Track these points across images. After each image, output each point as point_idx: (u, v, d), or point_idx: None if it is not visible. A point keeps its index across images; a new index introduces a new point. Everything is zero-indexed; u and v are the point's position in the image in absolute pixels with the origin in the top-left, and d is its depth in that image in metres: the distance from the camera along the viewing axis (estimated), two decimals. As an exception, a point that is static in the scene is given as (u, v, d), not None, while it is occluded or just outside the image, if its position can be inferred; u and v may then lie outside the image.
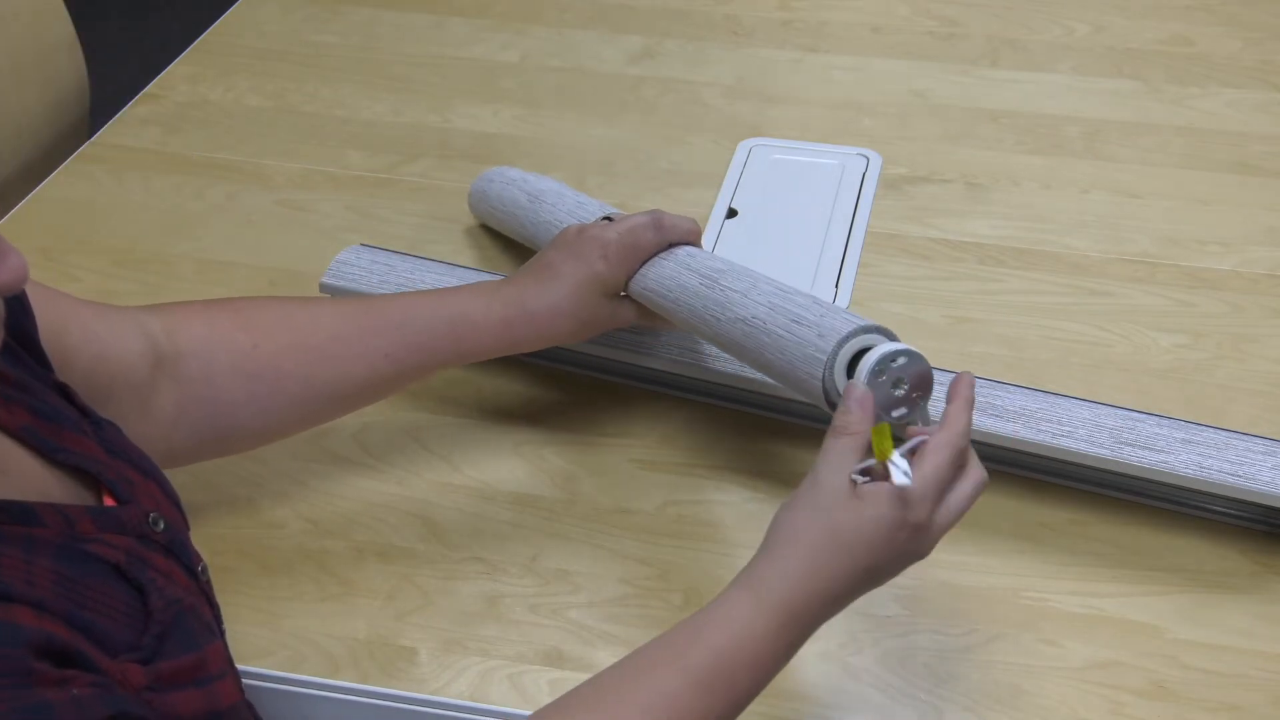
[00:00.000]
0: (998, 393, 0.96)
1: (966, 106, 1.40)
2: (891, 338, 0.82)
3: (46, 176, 1.32)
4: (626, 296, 0.96)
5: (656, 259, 0.95)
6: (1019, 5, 1.57)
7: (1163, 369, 1.07)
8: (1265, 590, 0.91)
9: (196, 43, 1.53)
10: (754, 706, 0.82)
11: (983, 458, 0.98)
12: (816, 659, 0.86)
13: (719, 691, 0.69)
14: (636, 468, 1.00)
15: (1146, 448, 0.92)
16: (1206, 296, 1.15)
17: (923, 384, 0.79)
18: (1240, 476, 0.90)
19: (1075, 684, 0.84)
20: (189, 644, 0.67)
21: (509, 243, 1.21)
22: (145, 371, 0.84)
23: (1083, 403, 0.95)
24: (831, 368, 0.82)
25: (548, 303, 0.92)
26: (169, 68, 1.48)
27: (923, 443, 0.74)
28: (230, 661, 0.72)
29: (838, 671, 0.85)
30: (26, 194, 1.29)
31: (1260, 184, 1.28)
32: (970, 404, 0.76)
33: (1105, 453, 0.92)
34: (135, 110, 1.41)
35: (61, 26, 1.48)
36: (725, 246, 1.20)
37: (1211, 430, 0.93)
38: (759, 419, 1.03)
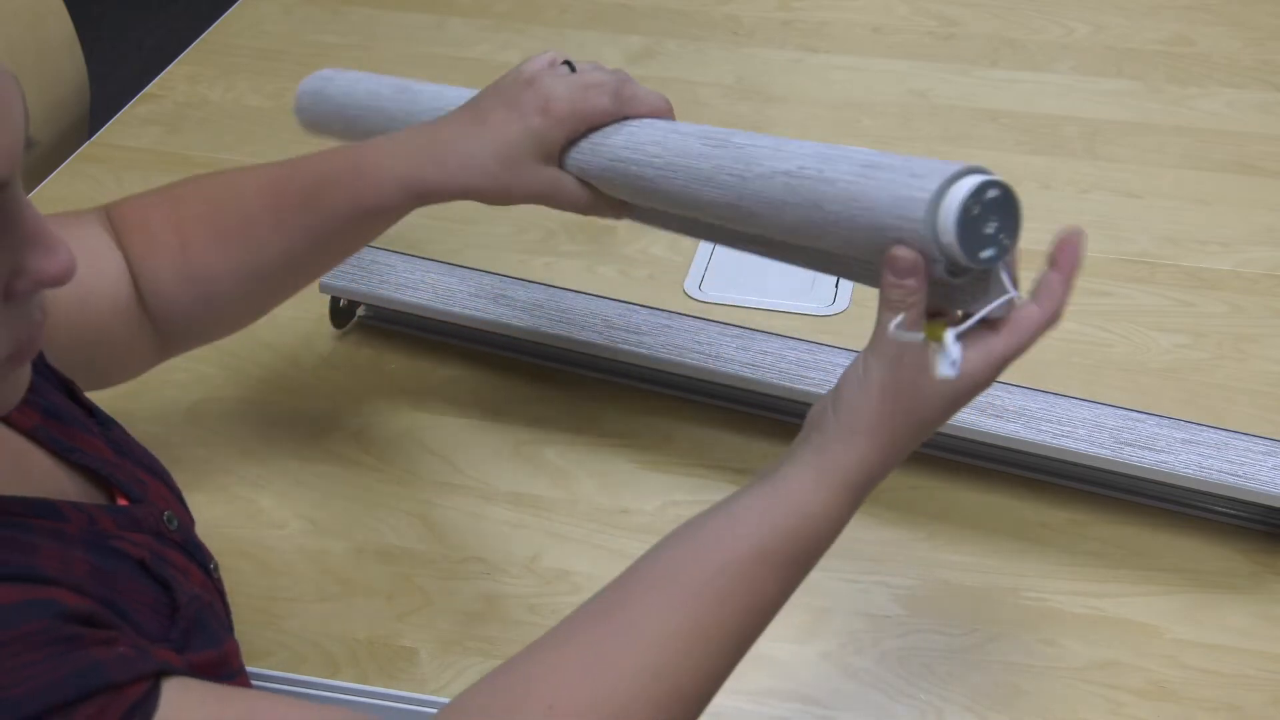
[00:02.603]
0: (998, 393, 0.96)
1: (966, 106, 1.40)
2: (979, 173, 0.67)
3: (47, 176, 1.32)
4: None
5: (621, 125, 0.81)
6: (1019, 5, 1.57)
7: (1163, 369, 1.07)
8: (1265, 590, 0.91)
9: (196, 43, 1.53)
10: (754, 707, 0.82)
11: (983, 457, 0.99)
12: (816, 659, 0.86)
13: (793, 572, 0.67)
14: (636, 468, 1.00)
15: (1146, 448, 0.92)
16: (1206, 296, 1.15)
17: (1013, 223, 0.67)
18: (1240, 476, 0.90)
19: (1075, 684, 0.84)
20: (212, 640, 0.67)
21: (505, 248, 1.21)
22: (126, 297, 0.84)
23: (1083, 403, 0.95)
24: (935, 211, 0.65)
25: (463, 151, 0.80)
26: (169, 68, 1.48)
27: (1005, 312, 0.67)
28: (242, 661, 0.72)
29: (838, 671, 0.85)
30: (27, 194, 1.29)
31: (1260, 184, 1.28)
32: (1075, 275, 0.68)
33: (1105, 453, 0.92)
34: (135, 110, 1.41)
35: (61, 26, 1.48)
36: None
37: (1211, 430, 0.93)
38: (759, 419, 1.03)
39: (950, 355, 0.64)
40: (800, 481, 0.67)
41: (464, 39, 1.52)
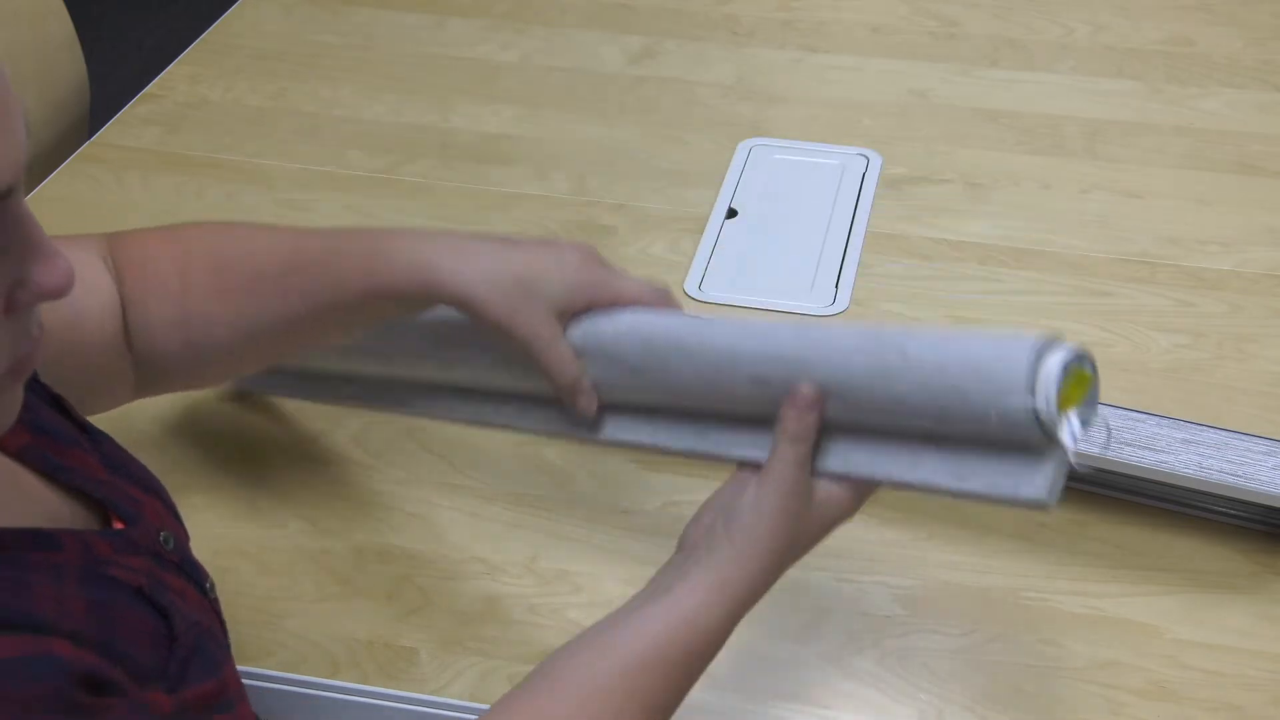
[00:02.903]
0: (998, 393, 0.95)
1: (966, 106, 1.40)
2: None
3: (47, 176, 1.32)
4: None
5: (649, 312, 0.79)
6: (1019, 5, 1.57)
7: (1163, 369, 1.07)
8: (1265, 590, 0.91)
9: (196, 43, 1.53)
10: (754, 706, 0.82)
11: (983, 458, 0.99)
12: (816, 659, 0.86)
13: (685, 680, 0.72)
14: (637, 468, 1.00)
15: (1146, 448, 0.92)
16: (1206, 296, 1.15)
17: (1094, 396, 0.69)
18: (1240, 476, 0.90)
19: (1075, 684, 0.84)
20: (211, 669, 0.66)
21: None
22: (113, 326, 0.83)
23: (1083, 403, 0.95)
24: (1032, 390, 0.66)
25: (486, 262, 0.77)
26: (169, 68, 1.48)
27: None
28: (241, 684, 0.71)
29: (838, 671, 0.85)
30: (27, 194, 1.29)
31: (1260, 184, 1.28)
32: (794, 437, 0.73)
33: (1105, 453, 0.92)
34: (135, 110, 1.41)
35: (61, 26, 1.48)
36: (725, 246, 1.20)
37: (1211, 430, 0.93)
38: (759, 419, 1.03)
39: (1073, 430, 0.67)
40: (694, 598, 0.71)
41: (464, 39, 1.52)
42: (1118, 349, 1.09)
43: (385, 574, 0.92)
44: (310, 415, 1.04)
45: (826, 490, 0.73)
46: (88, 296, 0.81)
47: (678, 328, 0.77)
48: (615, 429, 0.81)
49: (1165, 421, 0.94)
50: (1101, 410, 0.69)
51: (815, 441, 0.73)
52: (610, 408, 0.81)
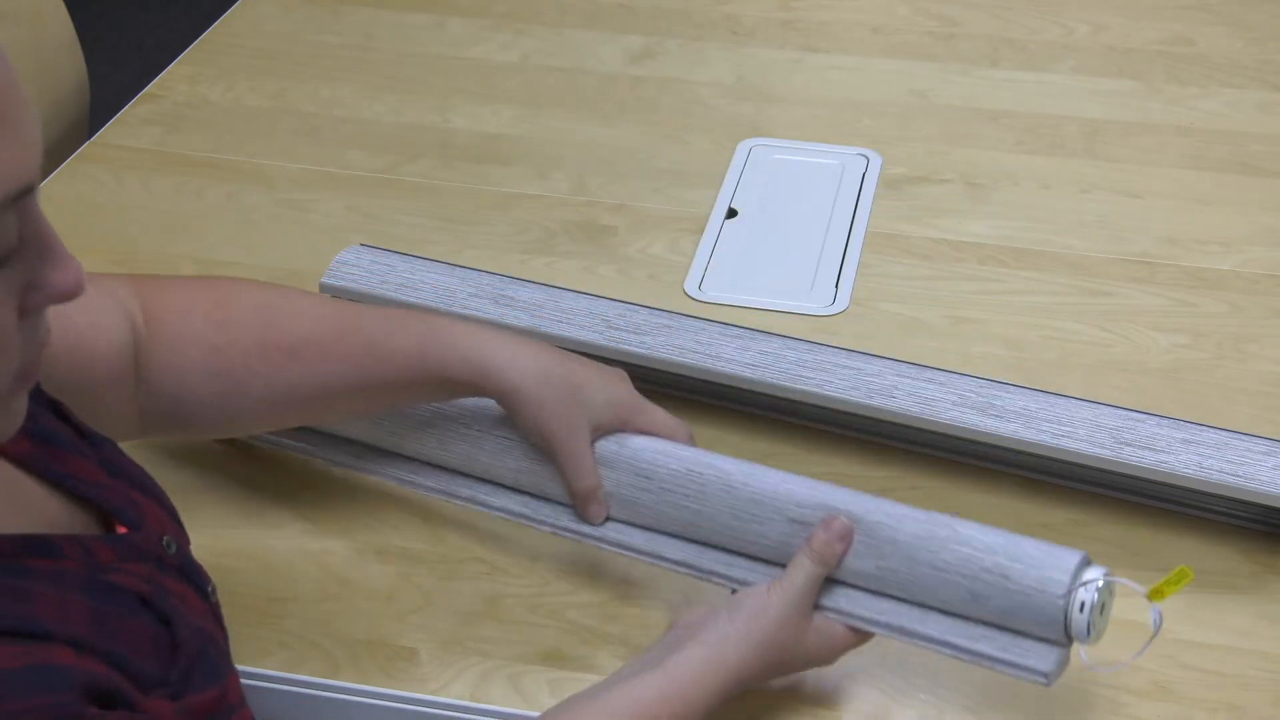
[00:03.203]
0: (998, 393, 0.96)
1: (966, 106, 1.40)
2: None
3: (46, 177, 1.32)
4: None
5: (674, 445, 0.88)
6: (1019, 5, 1.57)
7: (1163, 369, 1.07)
8: (1265, 590, 0.91)
9: (196, 43, 1.53)
10: (754, 706, 0.82)
11: (983, 458, 0.99)
12: (816, 659, 0.86)
13: None
14: (636, 468, 1.00)
15: (1146, 448, 0.92)
16: (1206, 296, 1.15)
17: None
18: (1240, 476, 0.90)
19: (1075, 684, 0.84)
20: (213, 676, 0.66)
21: (505, 248, 1.21)
22: (121, 366, 0.83)
23: (1083, 403, 0.95)
24: (1071, 589, 0.77)
25: (533, 356, 0.84)
26: (169, 68, 1.48)
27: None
28: (241, 689, 0.71)
29: (838, 672, 0.85)
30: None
31: (1260, 184, 1.28)
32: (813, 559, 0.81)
33: (1105, 453, 0.92)
34: (135, 110, 1.41)
35: (61, 26, 1.48)
36: (725, 246, 1.20)
37: (1211, 430, 0.93)
38: (759, 419, 1.03)
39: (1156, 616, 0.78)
40: (689, 671, 0.76)
41: (464, 39, 1.52)
42: (1118, 349, 1.09)
43: (385, 574, 0.92)
44: (310, 415, 1.04)
45: (827, 621, 0.81)
46: (97, 337, 0.82)
47: (723, 462, 0.85)
48: (615, 532, 0.88)
49: (1165, 421, 0.94)
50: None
51: (832, 576, 0.80)
52: (615, 516, 0.88)
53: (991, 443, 0.94)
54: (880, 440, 1.01)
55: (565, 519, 0.89)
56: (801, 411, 1.02)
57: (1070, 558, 0.78)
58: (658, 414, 0.89)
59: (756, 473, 0.85)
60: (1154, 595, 0.78)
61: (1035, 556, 0.78)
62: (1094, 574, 0.77)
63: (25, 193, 0.55)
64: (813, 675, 0.85)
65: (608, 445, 0.87)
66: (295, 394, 0.86)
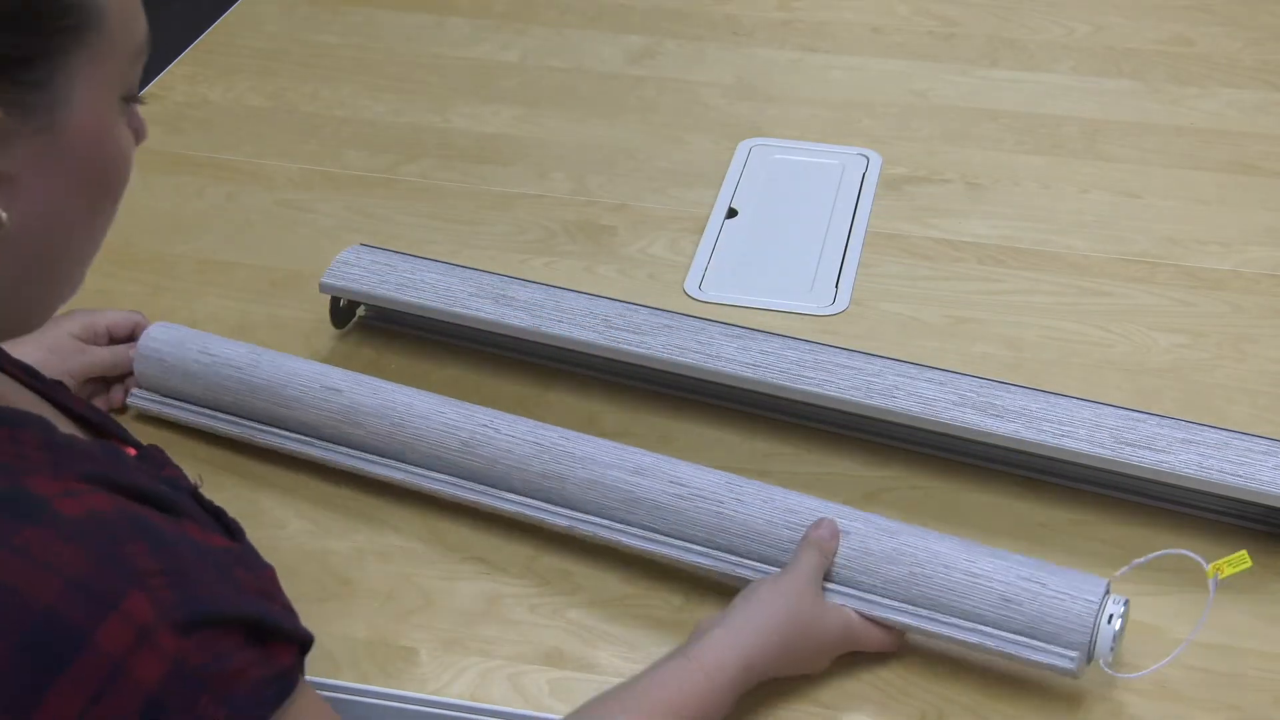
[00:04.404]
0: (998, 393, 0.96)
1: (966, 106, 1.40)
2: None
3: (46, 176, 1.32)
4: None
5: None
6: (1019, 5, 1.57)
7: (1163, 369, 1.07)
8: (1265, 590, 0.91)
9: (196, 43, 1.53)
10: (754, 706, 0.82)
11: (983, 458, 0.99)
12: (816, 659, 0.86)
13: None
14: (636, 468, 1.00)
15: (1146, 448, 0.92)
16: (1206, 296, 1.15)
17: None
18: (1240, 476, 0.90)
19: (1075, 684, 0.84)
20: (261, 562, 0.72)
21: (505, 248, 1.21)
22: None
23: (1083, 403, 0.95)
24: (1095, 630, 0.81)
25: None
26: (169, 68, 1.48)
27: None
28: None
29: (838, 671, 0.85)
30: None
31: (1260, 184, 1.28)
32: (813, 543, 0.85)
33: (1105, 453, 0.92)
34: (135, 110, 1.41)
35: (61, 26, 1.48)
36: (725, 246, 1.20)
37: (1211, 430, 0.93)
38: (759, 419, 1.03)
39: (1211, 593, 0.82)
40: (713, 654, 0.79)
41: (464, 39, 1.52)
42: (1118, 349, 1.09)
43: (385, 574, 0.92)
44: (310, 415, 1.04)
45: (841, 605, 0.84)
46: None
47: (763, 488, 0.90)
48: (631, 538, 0.91)
49: (1165, 421, 0.94)
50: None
51: (865, 584, 0.84)
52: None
53: (991, 442, 0.94)
54: (880, 440, 1.01)
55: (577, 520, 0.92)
56: (801, 411, 1.02)
57: (1098, 580, 0.83)
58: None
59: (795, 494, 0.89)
60: (1215, 571, 0.82)
61: (1066, 574, 0.83)
62: (1117, 599, 0.82)
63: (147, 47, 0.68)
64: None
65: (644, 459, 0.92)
66: None
